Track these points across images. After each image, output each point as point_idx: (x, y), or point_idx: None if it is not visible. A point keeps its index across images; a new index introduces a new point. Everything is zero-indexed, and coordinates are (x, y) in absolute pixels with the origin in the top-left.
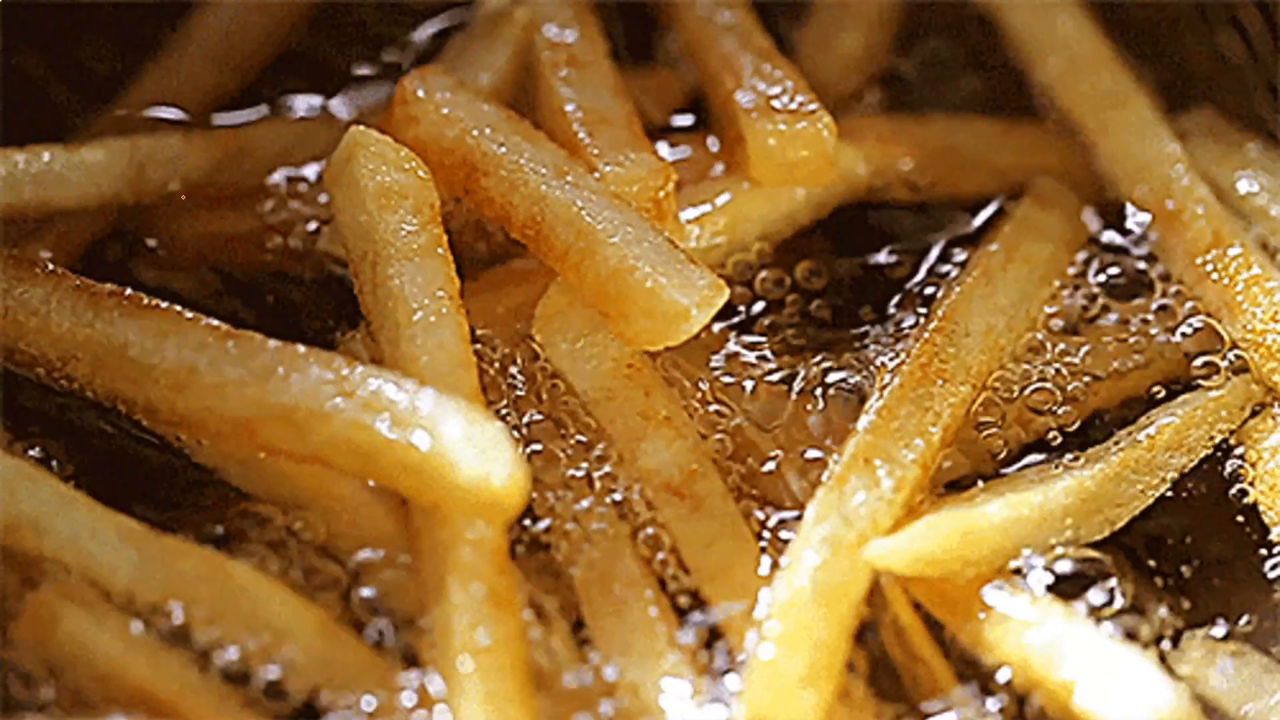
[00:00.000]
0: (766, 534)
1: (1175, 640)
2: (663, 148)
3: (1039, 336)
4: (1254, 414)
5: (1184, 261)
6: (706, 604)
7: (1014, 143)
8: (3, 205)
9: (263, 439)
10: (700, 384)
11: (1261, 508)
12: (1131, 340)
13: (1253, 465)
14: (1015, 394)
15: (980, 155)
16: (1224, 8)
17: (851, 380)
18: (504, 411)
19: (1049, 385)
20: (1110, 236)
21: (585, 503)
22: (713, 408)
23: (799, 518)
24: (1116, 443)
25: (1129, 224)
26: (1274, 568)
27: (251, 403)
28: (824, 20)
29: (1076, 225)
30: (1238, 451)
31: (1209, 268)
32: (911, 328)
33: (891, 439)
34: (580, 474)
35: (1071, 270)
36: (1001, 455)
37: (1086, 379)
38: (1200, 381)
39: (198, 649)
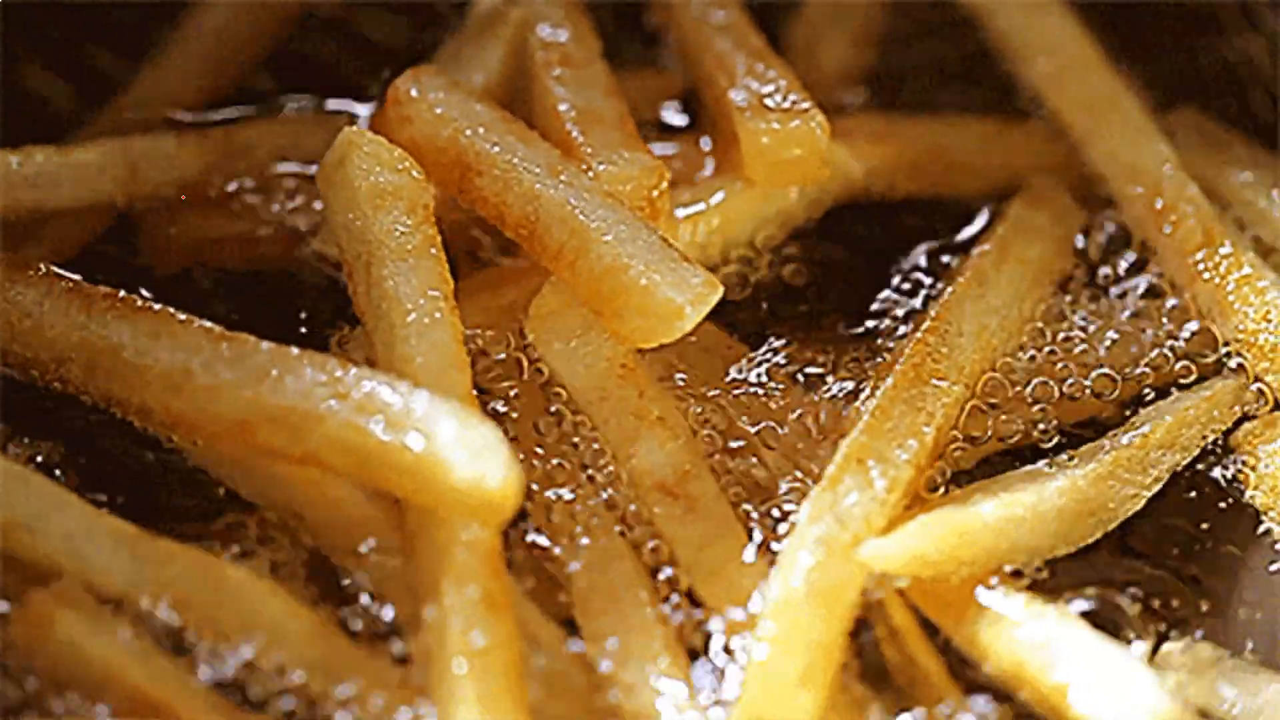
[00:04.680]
0: (761, 535)
1: (1170, 641)
2: (656, 147)
3: (1032, 336)
4: (1247, 414)
5: (1175, 261)
6: (701, 604)
7: (1006, 143)
8: None
9: (257, 441)
10: (694, 383)
11: (1261, 508)
12: (1125, 339)
13: (1253, 467)
14: (1009, 394)
15: (973, 156)
16: (1209, 7)
17: (846, 380)
18: (498, 412)
19: (1041, 385)
20: (1102, 237)
21: (579, 504)
22: (707, 407)
23: (793, 518)
24: (1109, 442)
25: (1120, 224)
26: (1274, 568)
27: (245, 405)
28: (817, 19)
29: (1069, 225)
30: (1235, 452)
31: (1200, 267)
32: (905, 328)
33: (885, 439)
34: (575, 475)
35: (1064, 270)
36: (996, 455)
37: (1080, 379)
38: (1194, 381)
39: (193, 651)
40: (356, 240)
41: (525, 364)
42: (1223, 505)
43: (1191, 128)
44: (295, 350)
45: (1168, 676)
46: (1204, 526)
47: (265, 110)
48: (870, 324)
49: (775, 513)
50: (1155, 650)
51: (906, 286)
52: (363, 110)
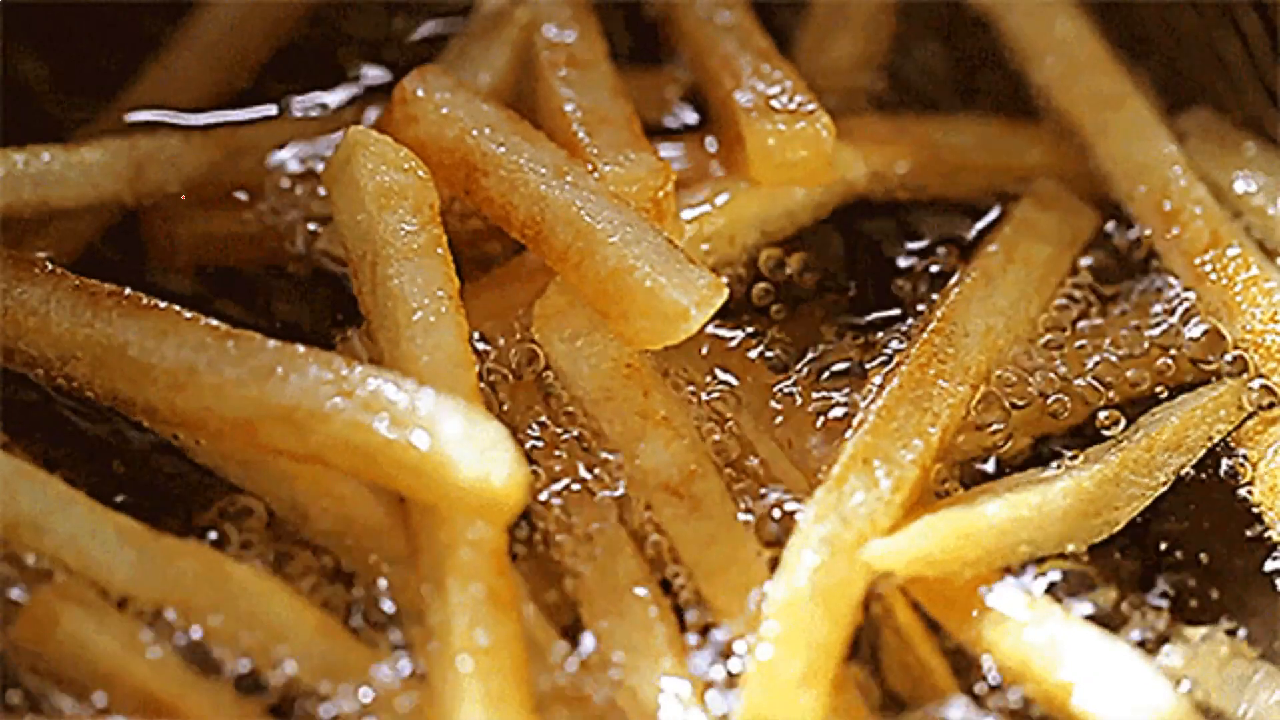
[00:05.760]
0: (765, 534)
1: (1174, 641)
2: (662, 148)
3: (1038, 337)
4: (1253, 414)
5: (1183, 262)
6: (705, 604)
7: (1014, 144)
8: (2, 205)
9: (262, 439)
10: (699, 383)
11: (1262, 508)
12: (1131, 340)
13: (1253, 466)
14: (1014, 394)
15: (979, 156)
16: (1221, 8)
17: (851, 380)
18: (503, 411)
19: (1048, 385)
20: (1109, 237)
21: (585, 503)
22: (712, 407)
23: (798, 518)
24: (1115, 443)
25: (1128, 225)
26: (1274, 568)
27: (251, 402)
28: (823, 20)
29: (1076, 226)
30: (1238, 452)
31: (1208, 268)
32: (911, 328)
33: (890, 439)
34: (580, 474)
35: (1071, 271)
36: (1002, 455)
37: (1087, 379)
38: (1200, 381)
39: (196, 649)
40: (362, 239)
41: (530, 363)
42: (1224, 503)
43: (1201, 129)
44: (301, 348)
45: (1172, 675)
46: (1206, 525)
47: (270, 109)
48: (876, 324)
49: (780, 512)
50: (1159, 649)
51: (912, 287)
52: (369, 109)
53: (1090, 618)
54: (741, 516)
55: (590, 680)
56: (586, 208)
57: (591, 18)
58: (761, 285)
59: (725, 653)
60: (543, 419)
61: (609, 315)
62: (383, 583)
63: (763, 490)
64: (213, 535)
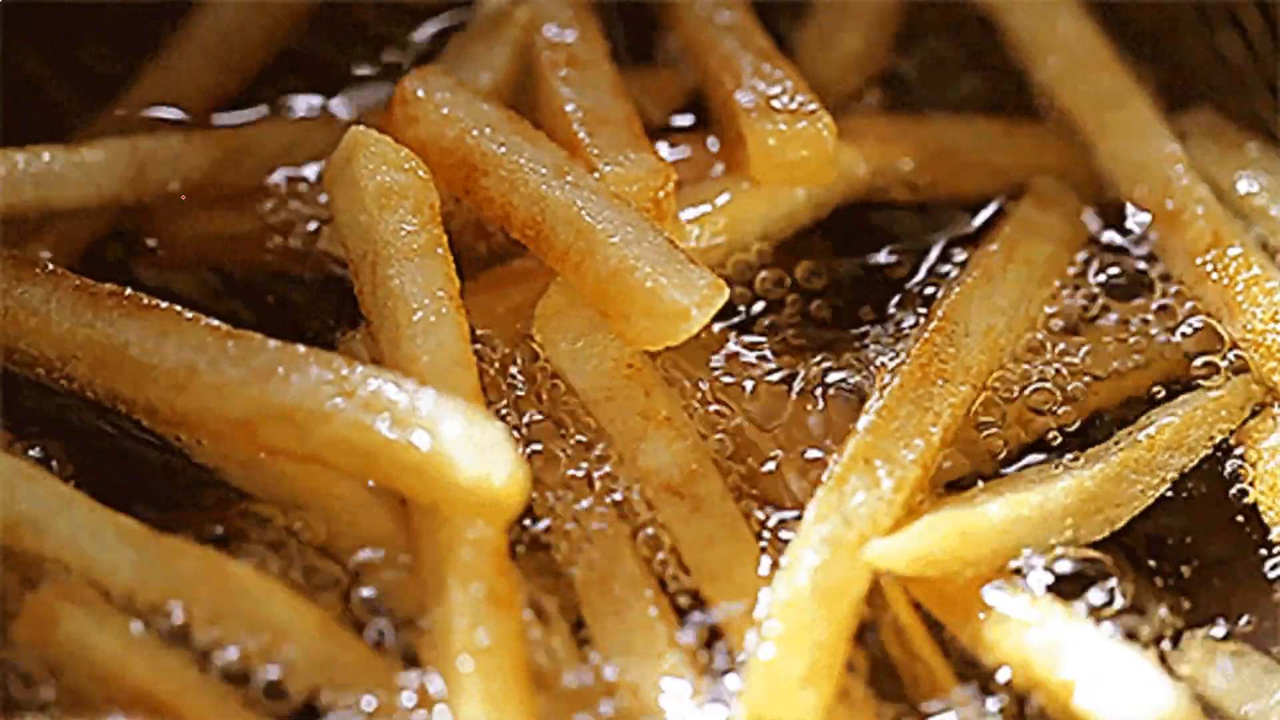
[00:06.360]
0: (767, 534)
1: (1175, 640)
2: (662, 148)
3: (1039, 336)
4: (1254, 414)
5: (1184, 261)
6: (706, 604)
7: (1014, 143)
8: (3, 205)
9: (263, 439)
10: (700, 384)
11: (1261, 508)
12: (1131, 340)
13: (1253, 465)
14: (1015, 394)
15: (980, 155)
16: (1224, 7)
17: (851, 380)
18: (504, 411)
19: (1049, 385)
20: (1110, 236)
21: (585, 503)
22: (713, 408)
23: (799, 518)
24: (1116, 443)
25: (1129, 224)
26: (1274, 568)
27: (251, 403)
28: (824, 20)
29: (1076, 225)
30: (1238, 452)
31: (1209, 268)
32: (911, 328)
33: (891, 439)
34: (580, 474)
35: (1071, 270)
36: (1001, 455)
37: (1086, 379)
38: (1200, 381)
39: (197, 649)
40: (363, 239)
41: (531, 364)
42: (1224, 503)
43: (1203, 128)
44: (301, 348)
45: (1173, 675)
46: (1206, 525)
47: (272, 110)
48: (877, 323)
49: (781, 512)
50: (1160, 648)
51: (913, 286)
52: (369, 109)
53: (1092, 617)
54: (742, 517)
55: (591, 680)
56: (587, 208)
57: (592, 18)
58: (761, 285)
59: (727, 652)
60: (543, 419)
61: (610, 315)
62: (383, 583)
63: (764, 490)
64: (213, 536)
